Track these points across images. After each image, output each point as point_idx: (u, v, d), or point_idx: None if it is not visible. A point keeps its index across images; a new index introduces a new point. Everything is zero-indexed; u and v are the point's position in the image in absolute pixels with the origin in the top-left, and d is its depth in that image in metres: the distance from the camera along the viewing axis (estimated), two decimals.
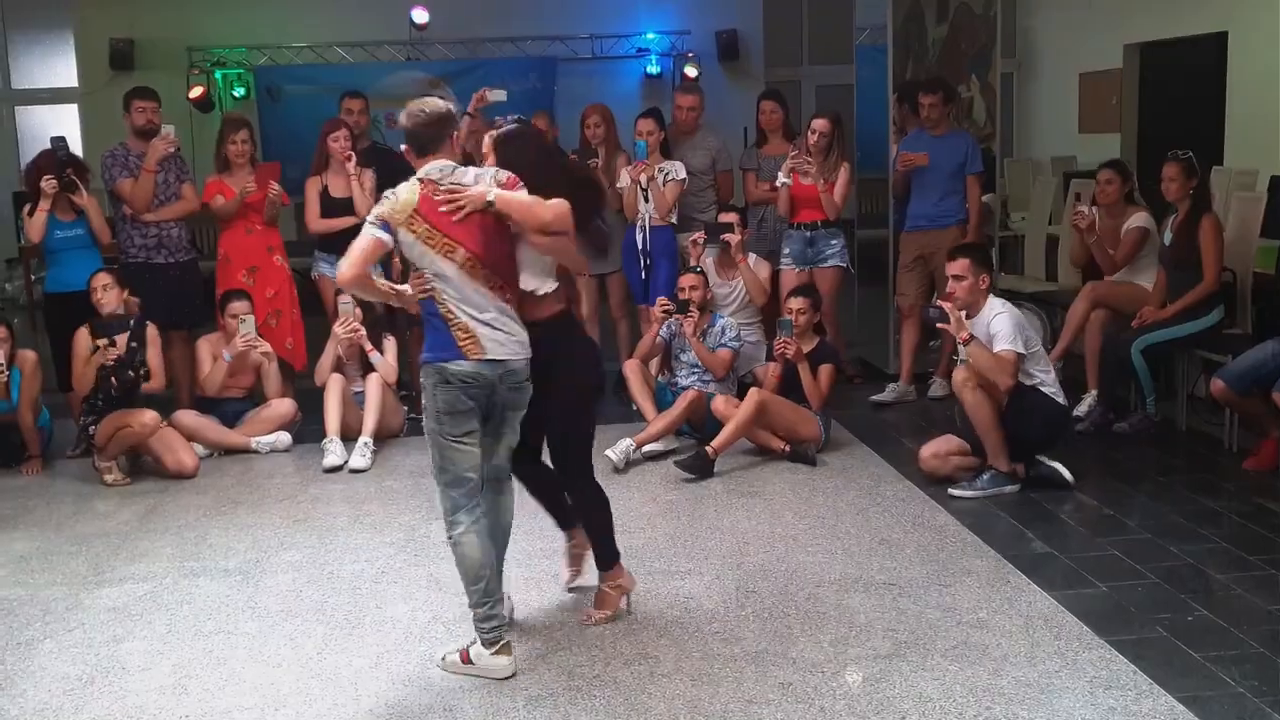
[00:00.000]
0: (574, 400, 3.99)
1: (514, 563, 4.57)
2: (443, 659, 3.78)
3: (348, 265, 3.64)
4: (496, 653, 3.70)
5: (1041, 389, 5.28)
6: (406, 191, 3.67)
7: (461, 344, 3.63)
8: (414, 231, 3.63)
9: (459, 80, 9.91)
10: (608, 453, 5.79)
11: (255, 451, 6.34)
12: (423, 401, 3.77)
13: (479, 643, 3.72)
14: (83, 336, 6.04)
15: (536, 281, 3.85)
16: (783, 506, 5.25)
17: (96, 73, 10.08)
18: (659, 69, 10.54)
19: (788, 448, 5.84)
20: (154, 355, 6.13)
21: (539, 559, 4.68)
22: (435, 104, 3.81)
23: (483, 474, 3.79)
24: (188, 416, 6.33)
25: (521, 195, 3.70)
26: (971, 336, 5.24)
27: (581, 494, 4.15)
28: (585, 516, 4.19)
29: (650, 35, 10.61)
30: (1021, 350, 5.18)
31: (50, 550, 5.01)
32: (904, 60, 7.91)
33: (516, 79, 9.85)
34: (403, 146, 3.93)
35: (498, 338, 3.66)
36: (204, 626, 4.16)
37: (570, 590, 4.33)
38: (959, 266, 5.36)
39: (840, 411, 6.50)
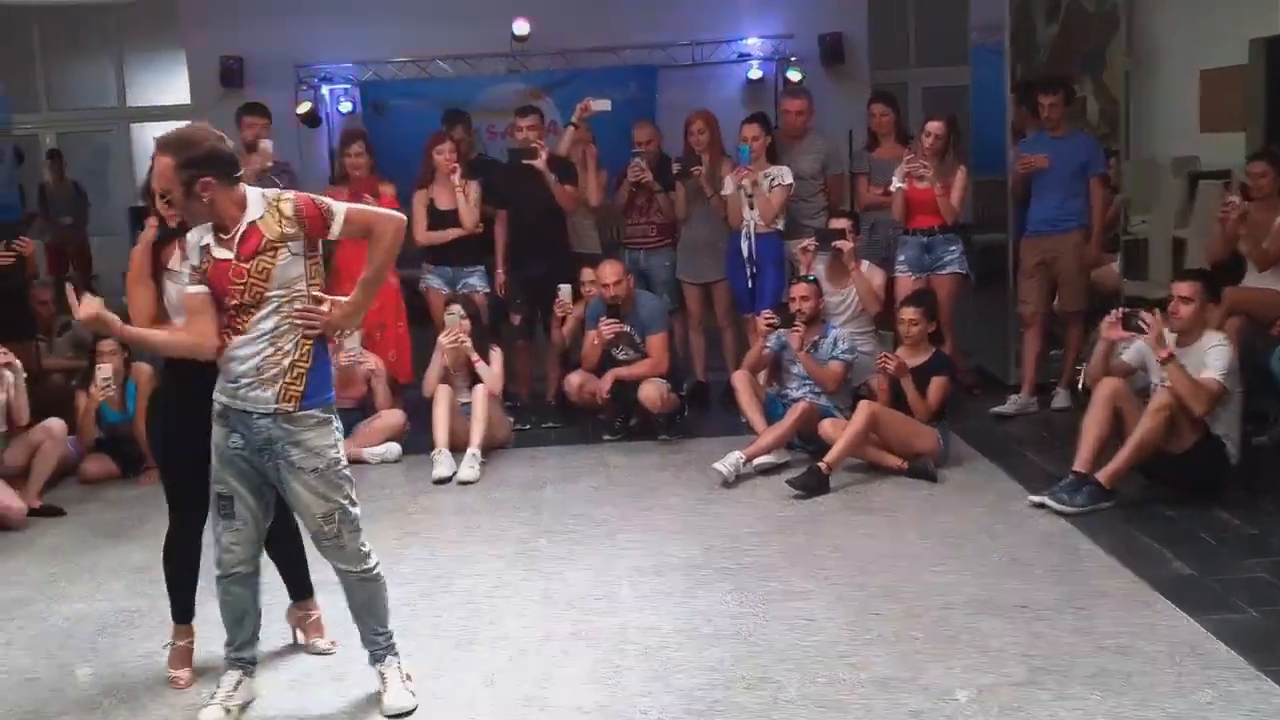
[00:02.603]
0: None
1: (625, 581, 4.52)
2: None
3: None
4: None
5: (1225, 441, 5.13)
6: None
7: None
8: None
9: (559, 91, 9.91)
10: (716, 466, 5.68)
11: (366, 462, 6.35)
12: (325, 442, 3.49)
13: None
14: None
15: None
16: (904, 524, 5.07)
17: (208, 90, 10.24)
18: (761, 74, 10.39)
19: (905, 465, 5.65)
20: None
21: (649, 576, 4.58)
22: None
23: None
24: None
25: None
26: (1171, 355, 5.04)
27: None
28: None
29: (752, 40, 10.47)
30: (1227, 385, 5.00)
31: None
32: (1013, 61, 7.70)
33: (617, 88, 9.77)
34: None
35: None
36: (319, 641, 4.12)
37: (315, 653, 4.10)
38: (1189, 289, 5.16)
39: (959, 424, 6.29)
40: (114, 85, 13.25)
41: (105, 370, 6.04)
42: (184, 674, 3.91)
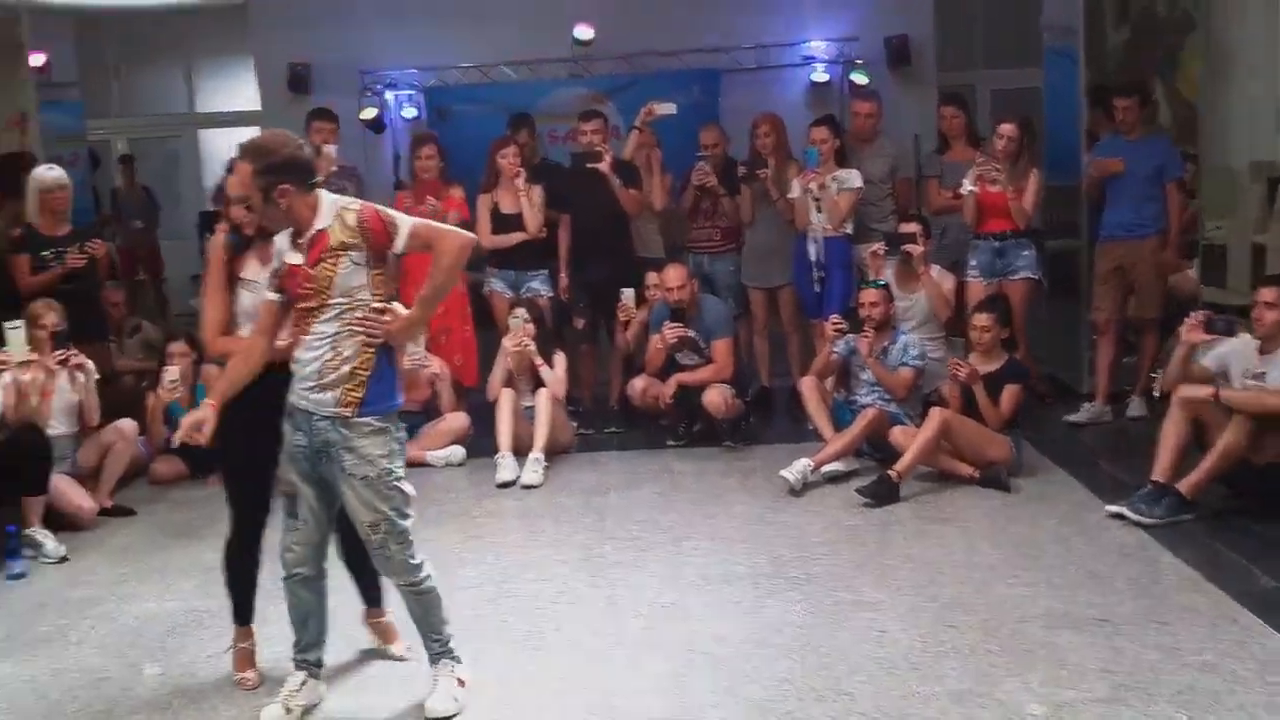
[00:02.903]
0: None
1: (692, 590, 4.46)
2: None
3: None
4: None
5: None
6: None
7: None
8: None
9: (621, 95, 9.87)
10: (784, 473, 5.61)
11: (430, 465, 6.35)
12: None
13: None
14: None
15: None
16: (977, 534, 4.96)
17: (276, 96, 10.33)
18: (827, 76, 10.28)
19: (977, 474, 5.54)
20: None
21: (716, 584, 4.53)
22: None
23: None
24: None
25: None
26: (1215, 396, 4.91)
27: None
28: None
29: (816, 43, 10.37)
30: None
31: None
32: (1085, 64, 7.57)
33: (679, 92, 9.70)
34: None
35: None
36: (393, 647, 4.10)
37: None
38: (1273, 294, 5.03)
39: (1031, 433, 6.15)
40: (184, 91, 13.43)
41: (172, 372, 6.11)
42: (251, 675, 3.92)
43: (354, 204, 3.48)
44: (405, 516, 3.52)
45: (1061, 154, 7.65)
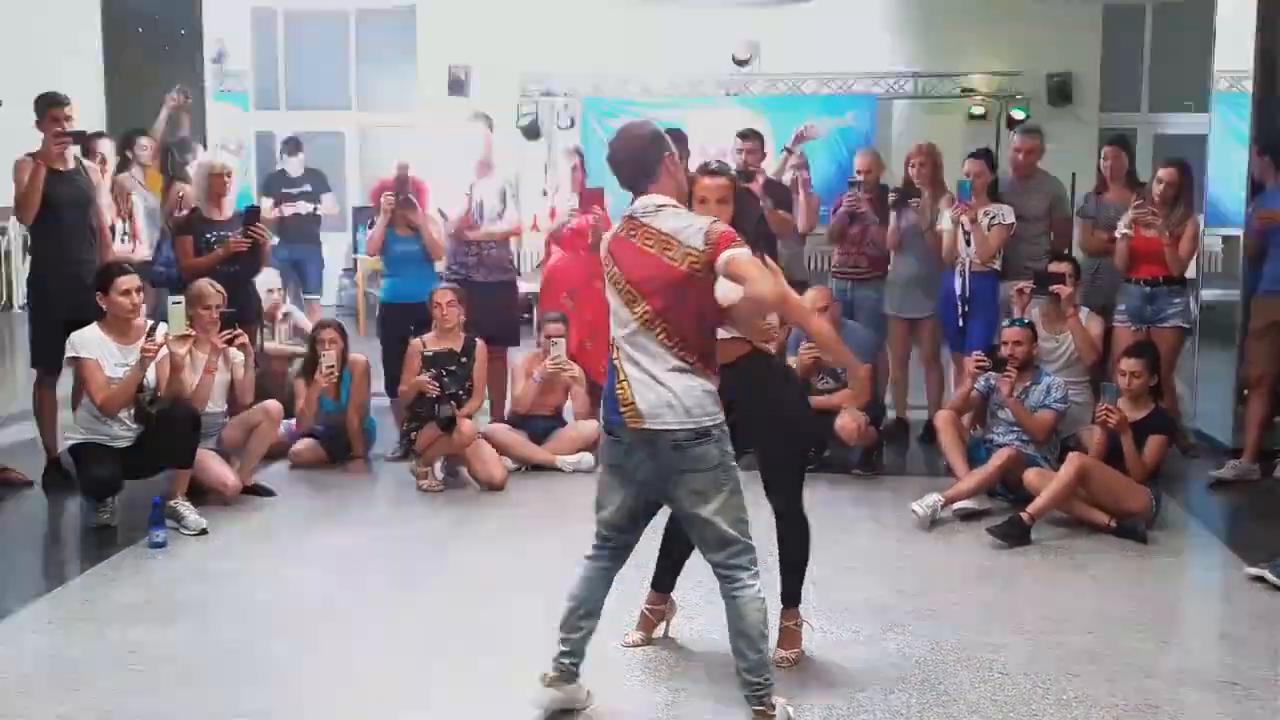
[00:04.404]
0: (778, 433, 3.95)
1: (810, 616, 4.40)
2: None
3: None
4: None
5: None
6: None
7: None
8: (608, 274, 3.55)
9: (775, 115, 9.91)
10: (914, 506, 5.54)
11: (559, 469, 6.44)
12: None
13: None
14: (416, 348, 6.32)
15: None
16: (1108, 585, 4.82)
17: (434, 97, 10.65)
18: (984, 110, 10.16)
19: (1113, 523, 5.39)
20: (479, 372, 6.36)
21: (837, 613, 4.46)
22: (639, 125, 3.59)
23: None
24: (501, 431, 6.52)
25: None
26: None
27: (792, 526, 4.00)
28: (791, 549, 4.03)
29: (976, 76, 10.26)
30: None
31: (367, 550, 5.22)
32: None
33: (834, 117, 9.72)
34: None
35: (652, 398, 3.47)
36: (512, 644, 4.17)
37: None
38: None
39: (1172, 486, 5.96)
40: (347, 88, 13.90)
41: (330, 357, 6.32)
42: (637, 636, 4.18)
43: None
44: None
45: (1225, 203, 7.41)
